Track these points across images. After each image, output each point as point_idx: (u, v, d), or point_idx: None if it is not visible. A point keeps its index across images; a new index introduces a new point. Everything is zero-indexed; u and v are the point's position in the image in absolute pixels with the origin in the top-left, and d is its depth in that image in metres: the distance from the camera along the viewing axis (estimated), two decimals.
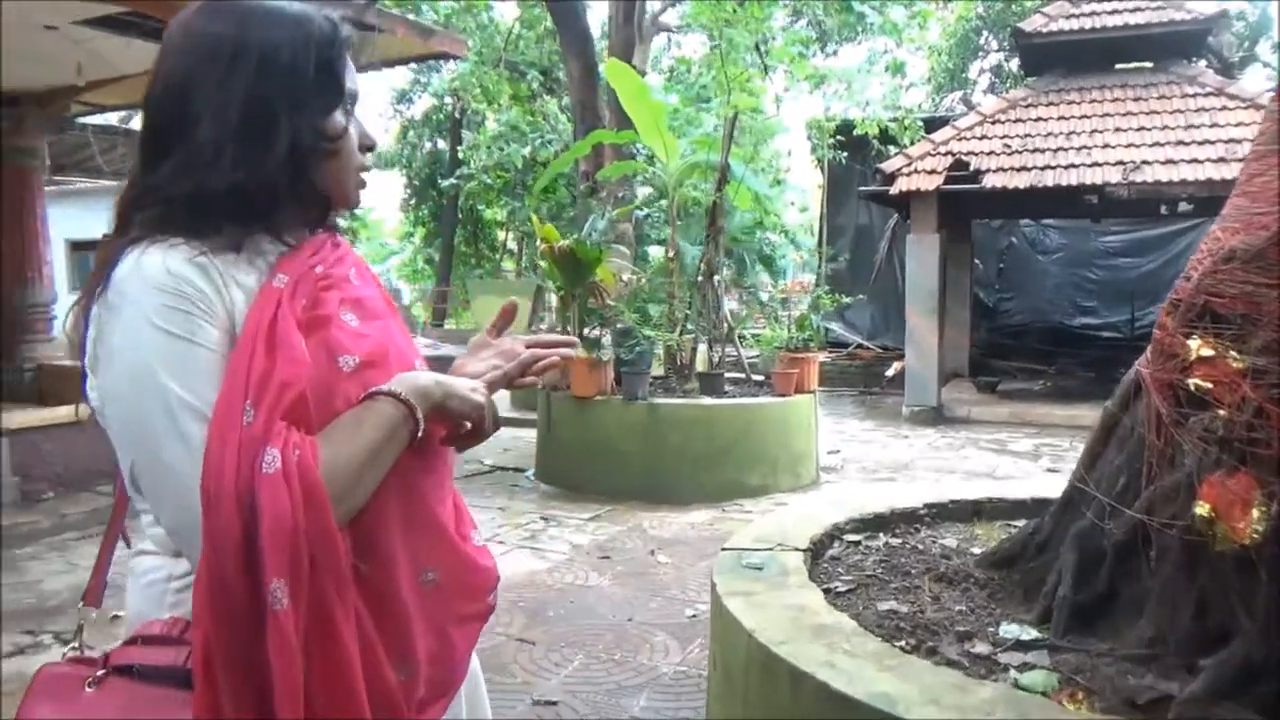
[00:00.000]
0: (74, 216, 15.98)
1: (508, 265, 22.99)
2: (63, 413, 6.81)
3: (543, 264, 6.93)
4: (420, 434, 0.99)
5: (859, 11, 10.30)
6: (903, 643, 2.07)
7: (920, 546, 2.82)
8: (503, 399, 10.67)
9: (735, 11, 8.83)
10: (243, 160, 0.98)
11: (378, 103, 22.03)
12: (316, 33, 1.04)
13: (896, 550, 2.79)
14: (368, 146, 1.11)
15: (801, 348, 6.87)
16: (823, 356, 13.11)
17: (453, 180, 18.55)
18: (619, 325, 6.76)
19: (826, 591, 2.41)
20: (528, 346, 1.20)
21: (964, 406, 9.98)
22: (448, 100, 19.97)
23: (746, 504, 6.05)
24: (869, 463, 7.62)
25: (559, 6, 10.75)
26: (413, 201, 22.74)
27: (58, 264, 16.27)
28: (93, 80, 9.04)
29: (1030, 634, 2.14)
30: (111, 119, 13.31)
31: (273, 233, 1.03)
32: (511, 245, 22.79)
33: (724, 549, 2.69)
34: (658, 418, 6.36)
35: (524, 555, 4.95)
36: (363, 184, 1.12)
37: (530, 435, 7.27)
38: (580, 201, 10.11)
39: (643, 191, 11.07)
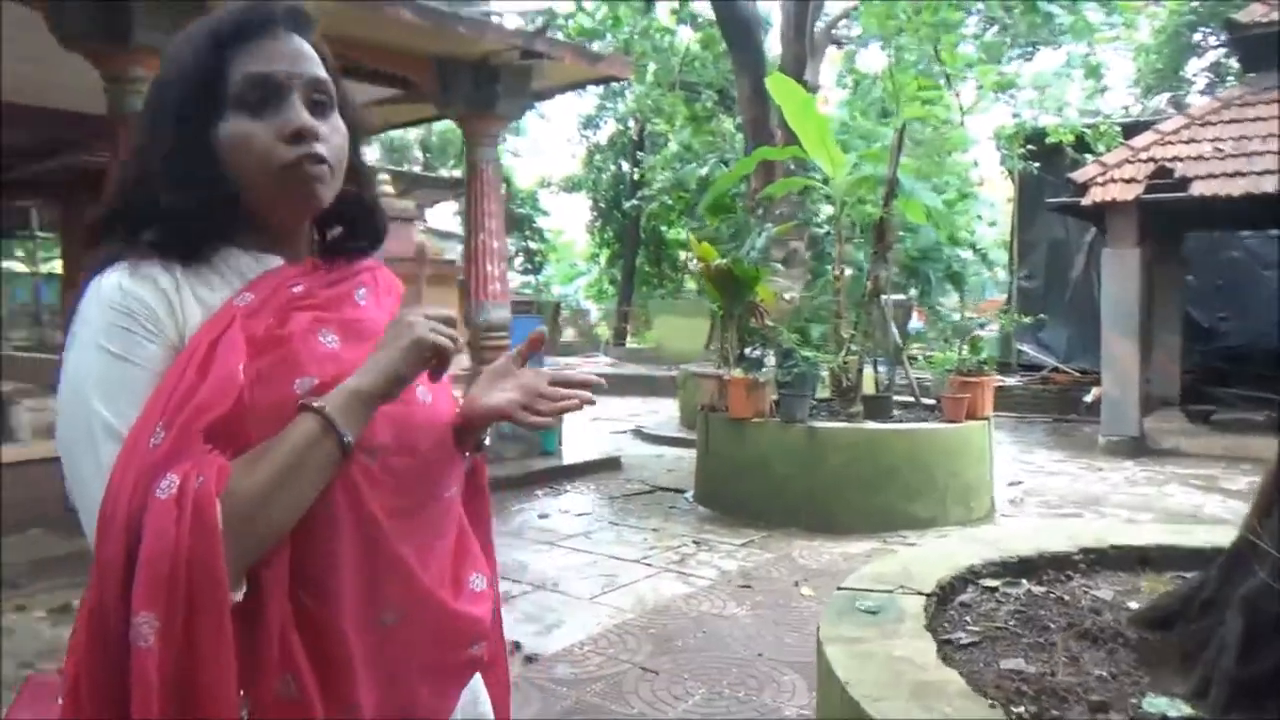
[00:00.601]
0: None
1: (689, 285, 23.15)
2: None
3: (701, 284, 6.87)
4: (347, 444, 0.92)
5: (1046, 12, 9.61)
6: (1020, 709, 1.84)
7: (1067, 597, 2.53)
8: (672, 418, 10.65)
9: (909, 19, 8.47)
10: (150, 176, 0.98)
11: (564, 129, 22.83)
12: (199, 36, 0.99)
13: (1038, 600, 2.52)
14: (289, 135, 0.98)
15: (975, 371, 6.45)
16: (1012, 380, 12.34)
17: (634, 201, 18.88)
18: (780, 346, 6.60)
19: (946, 643, 2.20)
20: (550, 382, 1.12)
21: (1171, 438, 9.06)
22: (631, 123, 20.41)
23: (910, 535, 5.72)
24: (1053, 496, 7.03)
25: (731, 24, 10.73)
26: (598, 223, 23.35)
27: None
28: None
29: (1181, 710, 1.86)
30: None
31: (243, 246, 1.02)
32: (693, 265, 22.94)
33: (840, 588, 2.52)
34: (817, 441, 6.14)
35: (668, 580, 4.89)
36: (312, 177, 1.00)
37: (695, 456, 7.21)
38: (741, 220, 9.99)
39: (827, 210, 10.83)
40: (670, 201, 18.20)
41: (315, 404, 0.92)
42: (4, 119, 8.79)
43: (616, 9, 12.78)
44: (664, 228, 20.50)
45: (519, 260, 24.77)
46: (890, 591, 2.45)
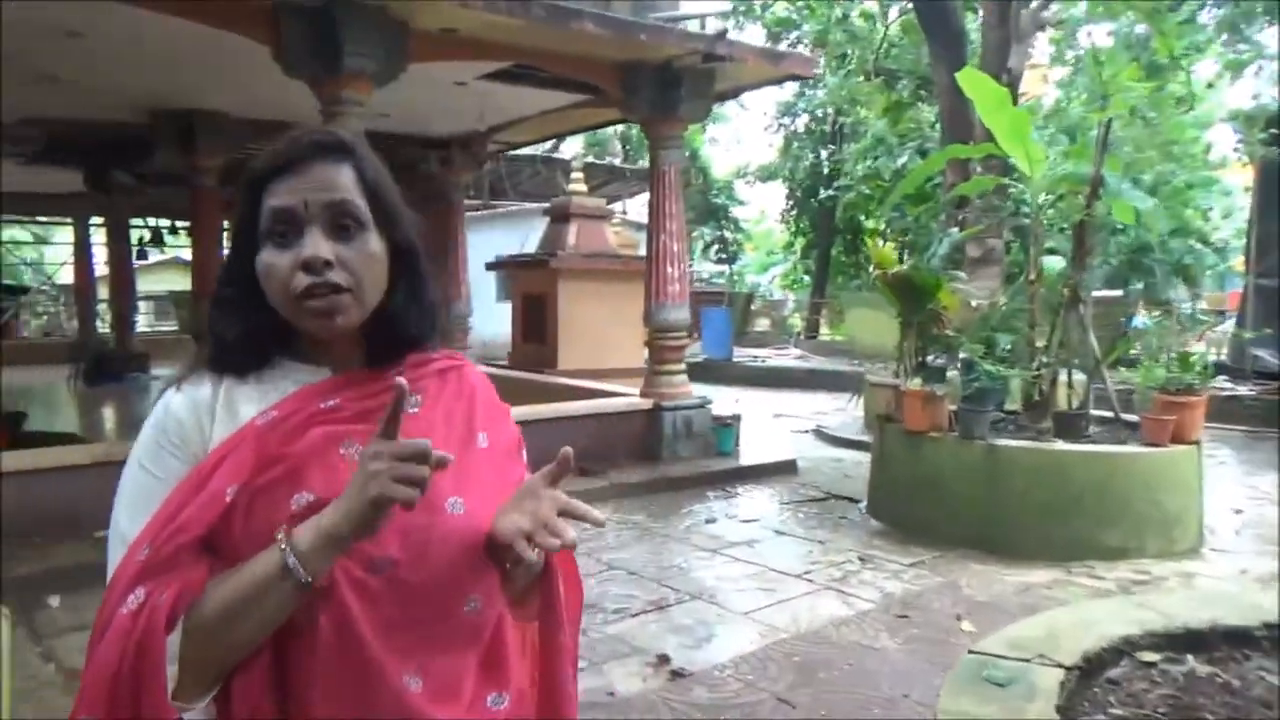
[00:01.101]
0: (484, 241, 18.35)
1: None
2: None
3: (879, 292, 6.65)
4: (305, 584, 0.94)
5: None
6: None
7: (1236, 682, 2.28)
8: (856, 419, 10.35)
9: None
10: (221, 300, 1.09)
11: (763, 117, 22.61)
12: (247, 176, 1.08)
13: (1200, 683, 2.29)
14: (303, 264, 1.03)
15: (1184, 390, 5.86)
16: (1244, 389, 11.11)
17: (830, 191, 18.47)
18: (962, 356, 6.28)
19: None
20: (559, 512, 1.06)
21: None
22: (828, 112, 19.97)
23: (1099, 567, 5.32)
24: (1275, 530, 6.30)
25: (929, 9, 10.24)
26: (794, 212, 23.04)
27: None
28: (496, 124, 10.34)
29: None
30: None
31: (300, 358, 1.10)
32: (871, 271, 22.23)
33: (971, 651, 2.39)
34: (997, 460, 5.80)
35: (827, 599, 4.80)
36: (318, 310, 1.04)
37: None
38: (923, 222, 9.53)
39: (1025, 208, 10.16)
40: (868, 191, 17.69)
41: (282, 543, 0.95)
42: (259, 131, 9.85)
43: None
44: (861, 217, 19.94)
45: (713, 250, 24.85)
46: (1027, 660, 2.30)
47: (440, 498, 1.07)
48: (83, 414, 11.81)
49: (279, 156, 1.07)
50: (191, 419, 1.05)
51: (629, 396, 8.54)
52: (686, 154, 24.29)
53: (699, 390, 8.80)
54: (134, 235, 15.83)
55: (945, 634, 4.13)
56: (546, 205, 13.63)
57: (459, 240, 11.60)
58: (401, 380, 0.99)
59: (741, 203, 25.03)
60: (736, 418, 8.83)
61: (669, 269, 8.24)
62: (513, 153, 14.99)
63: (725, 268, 25.05)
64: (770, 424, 11.17)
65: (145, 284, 26.18)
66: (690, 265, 26.33)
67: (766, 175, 23.44)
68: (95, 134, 10.69)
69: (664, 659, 4.07)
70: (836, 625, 4.24)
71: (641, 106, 7.97)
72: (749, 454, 8.64)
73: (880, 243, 8.63)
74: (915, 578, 5.16)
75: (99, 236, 16.75)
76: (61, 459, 5.65)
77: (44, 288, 24.43)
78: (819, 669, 3.70)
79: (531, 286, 12.34)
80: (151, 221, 17.36)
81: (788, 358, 17.67)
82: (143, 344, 16.12)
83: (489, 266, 13.96)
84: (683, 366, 8.57)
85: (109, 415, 11.92)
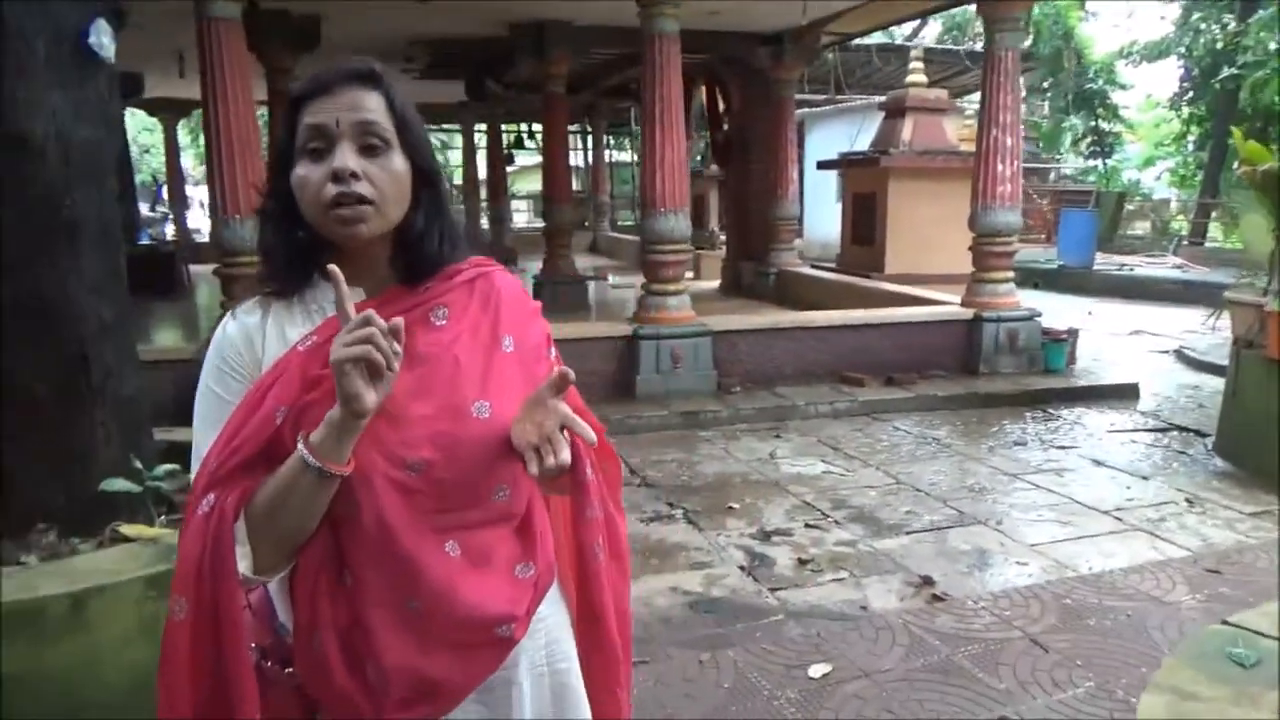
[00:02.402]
0: (825, 138, 17.80)
1: None
2: (760, 320, 7.97)
3: (1249, 191, 5.60)
4: (321, 468, 1.07)
5: None
6: None
7: None
8: (1228, 341, 8.99)
9: None
10: (264, 215, 1.21)
11: None
12: (291, 92, 1.19)
13: None
14: (333, 174, 1.12)
15: None
16: None
17: (1233, 70, 15.54)
18: None
19: None
20: (560, 424, 1.14)
21: None
22: None
23: None
24: None
25: None
26: (1188, 96, 19.76)
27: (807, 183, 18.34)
28: (822, 16, 9.95)
29: None
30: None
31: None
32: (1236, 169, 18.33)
33: (1225, 621, 2.07)
34: None
35: (1134, 541, 4.32)
36: (344, 218, 1.13)
37: None
38: None
39: None
40: None
41: (300, 442, 1.08)
42: (598, 38, 10.39)
43: None
44: (1276, 100, 16.63)
45: (1085, 143, 22.17)
46: None
47: (467, 403, 1.17)
48: None
49: (316, 81, 1.17)
50: (245, 343, 1.19)
51: (948, 305, 8.06)
52: (1061, 33, 21.73)
53: (1048, 301, 8.10)
54: (505, 141, 17.52)
55: (1258, 597, 3.55)
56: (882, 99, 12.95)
57: (787, 137, 11.41)
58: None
59: (1124, 87, 21.88)
60: (1072, 332, 8.02)
61: (999, 167, 7.55)
62: (858, 43, 14.34)
63: (1098, 163, 22.23)
64: (1123, 342, 9.99)
65: (522, 185, 28.99)
66: (1058, 159, 23.76)
67: (1156, 53, 20.20)
68: (469, 49, 11.82)
69: (928, 581, 3.94)
70: (1130, 571, 3.81)
71: None
72: (1085, 374, 7.85)
73: None
74: (1251, 529, 4.46)
75: (481, 142, 18.75)
76: None
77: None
78: (1089, 615, 3.37)
79: (861, 186, 11.91)
80: (520, 127, 19.02)
81: (1163, 266, 15.50)
82: (514, 240, 17.98)
83: (820, 165, 13.66)
84: (1009, 275, 7.90)
85: None
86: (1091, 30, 22.54)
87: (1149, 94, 21.68)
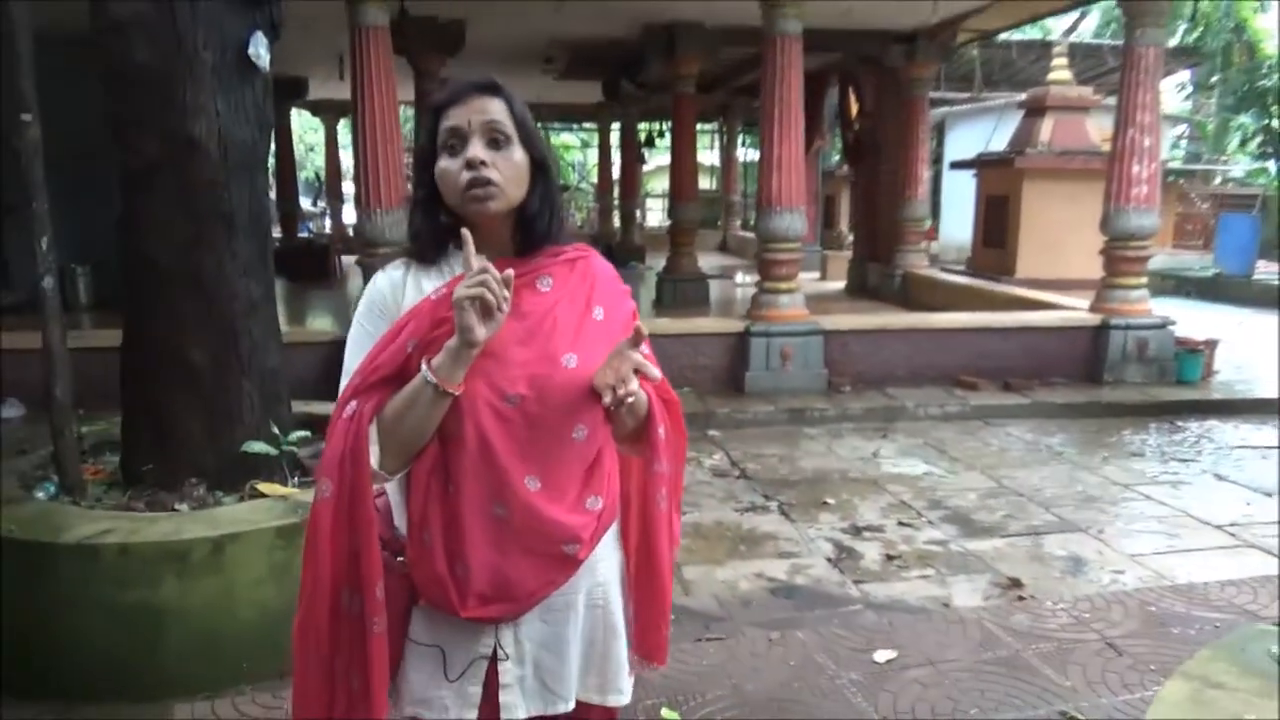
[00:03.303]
0: (965, 137, 17.26)
1: None
2: (873, 320, 7.96)
3: None
4: (440, 385, 1.33)
5: None
6: None
7: None
8: None
9: None
10: (415, 202, 1.51)
11: None
12: (432, 103, 1.47)
13: None
14: (467, 163, 1.40)
15: None
16: None
17: None
18: None
19: None
20: (634, 368, 1.37)
21: None
22: None
23: None
24: None
25: None
26: None
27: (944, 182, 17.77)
28: (954, 15, 9.78)
29: None
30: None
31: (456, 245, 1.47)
32: None
33: (1275, 623, 2.08)
34: None
35: (1245, 557, 4.20)
36: (476, 197, 1.40)
37: None
38: None
39: None
40: None
41: (424, 365, 1.35)
42: (727, 38, 10.51)
43: None
44: None
45: (1254, 144, 20.68)
46: None
47: (559, 354, 1.42)
48: None
49: (450, 94, 1.46)
50: (390, 292, 1.49)
51: (1073, 311, 7.83)
52: (1231, 26, 20.33)
53: (1199, 310, 7.76)
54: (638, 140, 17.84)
55: None
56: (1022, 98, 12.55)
57: (918, 137, 11.23)
58: (465, 235, 1.36)
59: None
60: (1210, 343, 7.64)
61: (1135, 168, 7.28)
62: (1002, 38, 13.93)
63: (1271, 165, 20.64)
64: (1272, 355, 9.40)
65: (656, 184, 29.32)
66: (1224, 161, 22.21)
67: None
68: (605, 50, 12.17)
69: (1015, 583, 3.95)
70: (1226, 584, 3.70)
71: None
72: (1222, 386, 7.47)
73: None
74: None
75: (616, 141, 19.17)
76: None
77: (581, 186, 28.62)
78: (1174, 624, 3.32)
79: (995, 187, 11.62)
80: (654, 126, 19.31)
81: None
82: (644, 237, 18.32)
83: (954, 165, 13.37)
84: (1142, 280, 7.60)
85: None
86: (1267, 22, 20.96)
87: None
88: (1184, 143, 23.27)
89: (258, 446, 3.50)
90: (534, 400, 1.39)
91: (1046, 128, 11.06)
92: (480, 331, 1.32)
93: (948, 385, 7.30)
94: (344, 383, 1.46)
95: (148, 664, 3.00)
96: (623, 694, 1.60)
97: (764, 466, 5.66)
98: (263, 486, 3.50)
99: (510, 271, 1.34)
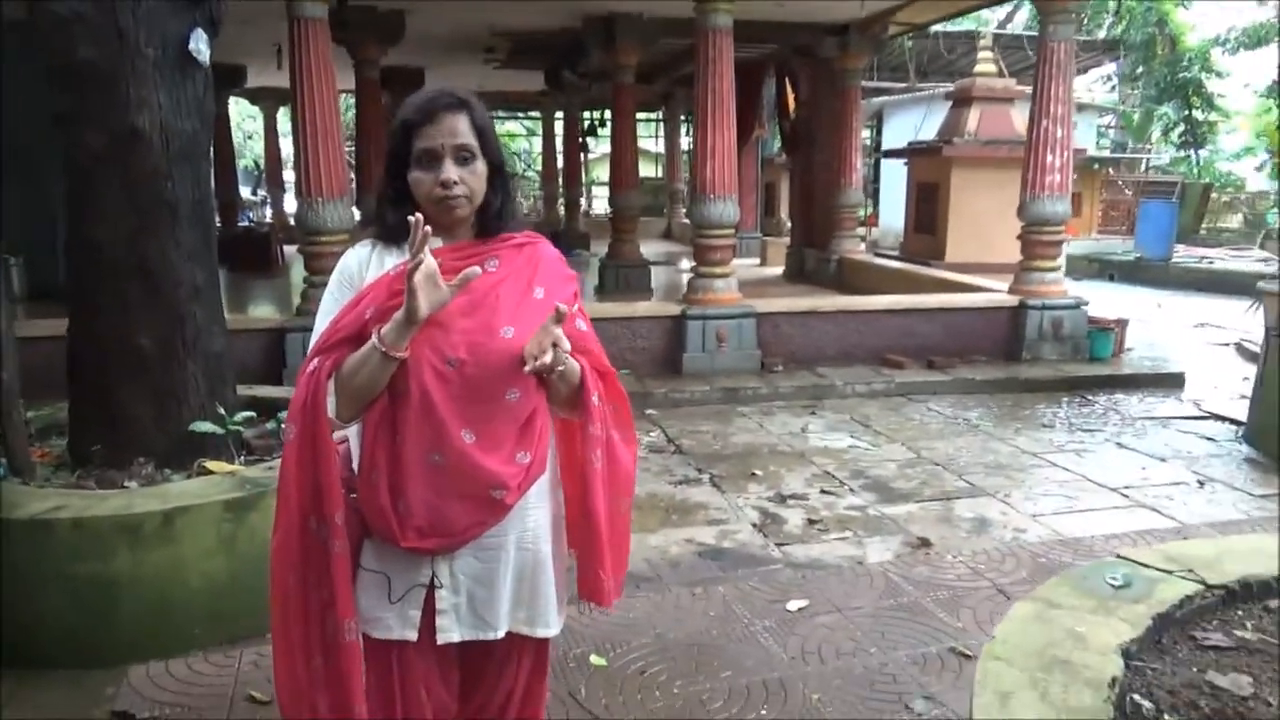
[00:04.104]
0: (902, 125, 17.69)
1: None
2: (804, 303, 8.26)
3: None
4: (386, 351, 1.54)
5: None
6: None
7: None
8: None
9: None
10: (379, 198, 1.75)
11: None
12: (399, 122, 1.68)
13: None
14: (441, 183, 1.62)
15: None
16: None
17: None
18: None
19: (1192, 642, 2.01)
20: (552, 340, 1.58)
21: None
22: None
23: None
24: None
25: None
26: None
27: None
28: (883, 8, 10.09)
29: None
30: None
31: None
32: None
33: (1118, 555, 2.38)
34: None
35: (1135, 515, 4.56)
36: (449, 207, 1.64)
37: None
38: None
39: None
40: None
41: (375, 332, 1.56)
42: (664, 30, 10.69)
43: None
44: None
45: (1176, 134, 21.53)
46: (1169, 572, 2.25)
47: (498, 326, 1.65)
48: None
49: (421, 111, 1.66)
50: (357, 267, 1.74)
51: (993, 292, 8.23)
52: (1154, 20, 21.13)
53: (1120, 293, 8.19)
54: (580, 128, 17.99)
55: None
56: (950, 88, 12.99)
57: (852, 126, 11.56)
58: (417, 220, 1.53)
59: (1220, 75, 21.14)
60: (1121, 322, 8.10)
61: (1049, 157, 7.67)
62: (936, 29, 14.33)
63: (1190, 153, 21.54)
64: (1186, 334, 9.96)
65: (602, 172, 29.44)
66: (1149, 150, 23.10)
67: (1255, 41, 19.53)
68: (546, 40, 12.29)
69: (924, 542, 4.26)
70: (1111, 537, 4.06)
71: None
72: (1131, 362, 7.93)
73: None
74: (1255, 509, 4.64)
75: (560, 130, 19.29)
76: None
77: (527, 175, 28.67)
78: (1059, 571, 3.65)
79: (925, 175, 12.03)
80: (596, 115, 19.46)
81: (1246, 260, 15.12)
82: (589, 225, 18.51)
83: (886, 154, 13.79)
84: (1057, 263, 8.02)
85: None
86: (1187, 17, 21.82)
87: (1246, 83, 20.92)
88: (1111, 132, 24.12)
89: (205, 426, 3.66)
90: (472, 364, 1.62)
91: (973, 118, 11.49)
92: (423, 310, 1.53)
93: (875, 364, 7.65)
94: (311, 341, 1.69)
95: (103, 632, 3.14)
96: (550, 627, 1.84)
97: (698, 442, 5.93)
98: (210, 464, 3.66)
99: (473, 271, 1.56)
